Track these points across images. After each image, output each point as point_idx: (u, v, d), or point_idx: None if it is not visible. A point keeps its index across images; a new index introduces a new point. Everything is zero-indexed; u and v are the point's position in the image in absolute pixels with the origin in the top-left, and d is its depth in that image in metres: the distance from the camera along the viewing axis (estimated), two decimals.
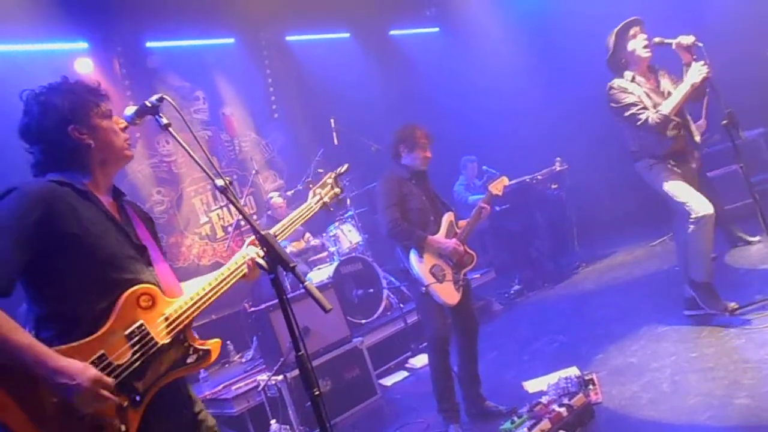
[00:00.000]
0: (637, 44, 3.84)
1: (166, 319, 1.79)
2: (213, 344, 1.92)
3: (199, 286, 1.89)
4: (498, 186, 4.14)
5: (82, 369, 1.55)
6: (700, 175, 4.09)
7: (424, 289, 3.63)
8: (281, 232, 2.11)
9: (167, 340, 1.77)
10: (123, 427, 1.64)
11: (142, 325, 1.73)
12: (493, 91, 8.69)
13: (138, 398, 1.69)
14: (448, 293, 3.69)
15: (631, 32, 3.87)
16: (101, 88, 1.94)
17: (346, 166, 2.58)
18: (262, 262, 1.83)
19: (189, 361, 1.84)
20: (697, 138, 3.90)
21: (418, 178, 3.91)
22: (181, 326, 1.81)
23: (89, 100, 1.86)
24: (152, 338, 1.73)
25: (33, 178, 1.82)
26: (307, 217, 2.26)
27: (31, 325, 1.66)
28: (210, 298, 1.88)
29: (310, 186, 2.42)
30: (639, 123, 3.73)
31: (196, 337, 1.90)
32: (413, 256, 3.72)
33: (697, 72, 3.59)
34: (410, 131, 3.89)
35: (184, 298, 1.85)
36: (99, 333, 1.66)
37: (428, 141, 3.91)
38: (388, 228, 3.74)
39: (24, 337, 1.52)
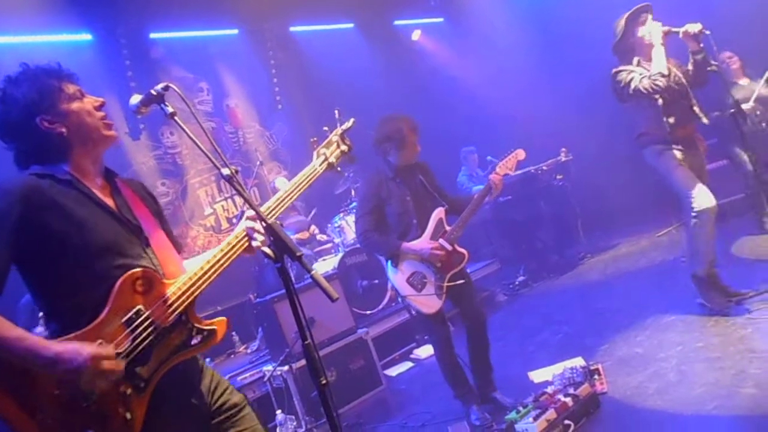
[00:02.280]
0: (646, 31, 3.83)
1: (165, 301, 1.72)
2: (218, 323, 1.83)
3: (198, 265, 1.80)
4: (509, 163, 3.71)
5: (77, 349, 1.50)
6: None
7: (400, 300, 3.57)
8: (284, 200, 1.97)
9: (168, 323, 1.72)
10: (128, 415, 1.60)
11: (140, 310, 1.67)
12: (498, 81, 8.65)
13: (142, 384, 1.64)
14: (426, 303, 3.52)
15: (641, 18, 3.87)
16: (65, 69, 1.82)
17: (351, 120, 2.32)
18: (266, 250, 1.73)
19: (194, 342, 1.78)
20: (705, 120, 3.87)
21: (404, 175, 3.71)
22: (181, 308, 1.74)
23: (52, 85, 1.76)
24: (152, 322, 1.67)
25: (16, 172, 1.75)
26: (311, 181, 2.07)
27: (28, 317, 1.61)
28: (210, 276, 1.79)
29: (314, 147, 2.19)
30: (632, 88, 3.73)
31: (200, 317, 1.82)
32: (389, 268, 3.62)
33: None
34: (398, 128, 3.63)
35: (182, 279, 1.77)
36: (95, 323, 1.60)
37: (417, 135, 3.64)
38: (359, 240, 3.66)
39: (12, 331, 1.48)
